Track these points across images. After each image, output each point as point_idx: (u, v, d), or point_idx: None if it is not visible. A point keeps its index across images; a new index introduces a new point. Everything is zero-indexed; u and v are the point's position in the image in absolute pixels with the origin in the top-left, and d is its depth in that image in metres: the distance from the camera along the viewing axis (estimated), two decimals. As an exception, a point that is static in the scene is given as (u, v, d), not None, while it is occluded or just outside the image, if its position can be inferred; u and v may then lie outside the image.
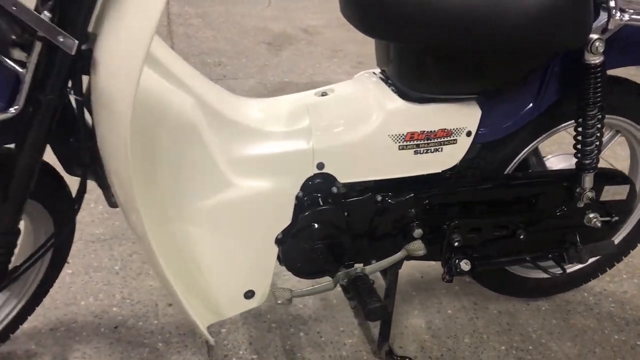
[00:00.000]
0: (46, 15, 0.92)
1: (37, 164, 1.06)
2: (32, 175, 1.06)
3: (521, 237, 1.41)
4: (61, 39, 0.92)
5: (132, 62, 0.91)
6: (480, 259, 1.41)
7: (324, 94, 1.28)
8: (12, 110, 0.96)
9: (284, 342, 1.56)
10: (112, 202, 1.30)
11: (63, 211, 1.30)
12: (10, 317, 1.40)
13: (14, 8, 0.92)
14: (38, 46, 0.94)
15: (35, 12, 0.92)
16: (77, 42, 0.93)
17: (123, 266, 1.77)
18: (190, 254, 1.20)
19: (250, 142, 1.21)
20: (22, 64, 0.97)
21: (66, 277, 1.70)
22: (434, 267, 1.86)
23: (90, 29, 0.98)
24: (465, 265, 1.36)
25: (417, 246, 1.31)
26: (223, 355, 1.52)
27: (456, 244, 1.35)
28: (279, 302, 1.27)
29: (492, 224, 1.39)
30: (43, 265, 1.41)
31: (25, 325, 1.52)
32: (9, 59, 0.96)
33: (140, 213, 1.04)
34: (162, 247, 1.12)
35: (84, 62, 0.98)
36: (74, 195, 1.19)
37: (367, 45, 3.66)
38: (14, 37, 0.95)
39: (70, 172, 1.23)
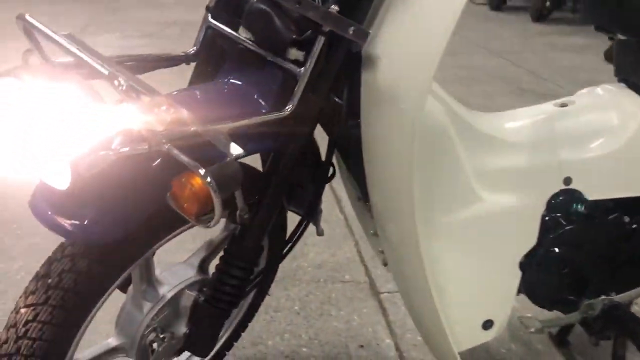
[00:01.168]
0: (334, 8, 0.88)
1: (292, 171, 1.01)
2: (287, 182, 1.01)
3: None
4: (352, 31, 0.88)
5: (426, 61, 0.86)
6: None
7: (563, 104, 1.19)
8: (287, 109, 0.92)
9: (495, 389, 1.42)
10: (320, 231, 1.24)
11: (278, 245, 1.25)
12: (217, 346, 1.34)
13: (297, 5, 0.89)
14: (320, 41, 0.90)
15: (322, 7, 0.89)
16: (370, 32, 0.88)
17: (302, 307, 1.69)
18: (436, 274, 1.10)
19: (496, 153, 1.12)
20: (297, 63, 0.93)
21: (247, 316, 1.63)
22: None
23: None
24: None
25: (677, 273, 1.16)
26: (433, 400, 1.38)
27: None
28: (531, 330, 1.14)
29: None
30: (246, 301, 1.35)
31: (217, 364, 1.44)
32: (284, 59, 0.93)
33: (415, 226, 0.96)
34: (425, 263, 1.03)
35: (353, 59, 0.94)
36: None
37: (492, 99, 3.43)
38: (293, 35, 0.92)
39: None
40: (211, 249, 1.17)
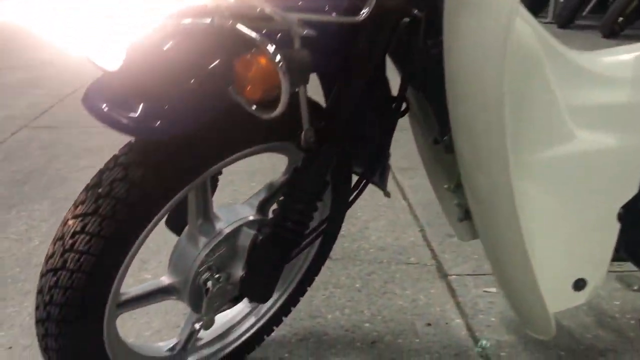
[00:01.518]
0: None
1: (359, 103, 0.92)
2: (353, 114, 0.92)
3: None
4: None
5: None
6: None
7: (670, 41, 1.06)
8: (362, 13, 0.83)
9: (581, 374, 1.25)
10: (387, 191, 1.14)
11: (341, 197, 1.16)
12: (276, 307, 1.24)
13: None
14: None
15: None
16: None
17: (364, 285, 1.57)
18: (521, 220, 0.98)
19: (593, 88, 1.00)
20: None
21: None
22: None
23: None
24: None
25: None
26: (512, 381, 1.23)
27: None
28: (634, 288, 1.00)
29: None
30: (309, 255, 1.25)
31: (274, 334, 1.34)
32: None
33: (507, 166, 0.85)
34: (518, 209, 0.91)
35: None
36: None
37: None
38: None
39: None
40: (272, 191, 1.09)
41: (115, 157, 0.85)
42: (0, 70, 3.86)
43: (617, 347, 1.32)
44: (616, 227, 1.01)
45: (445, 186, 1.17)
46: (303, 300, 1.48)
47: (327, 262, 1.66)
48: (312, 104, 0.98)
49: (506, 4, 0.81)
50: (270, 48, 0.67)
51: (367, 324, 1.41)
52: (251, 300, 1.04)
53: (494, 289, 1.55)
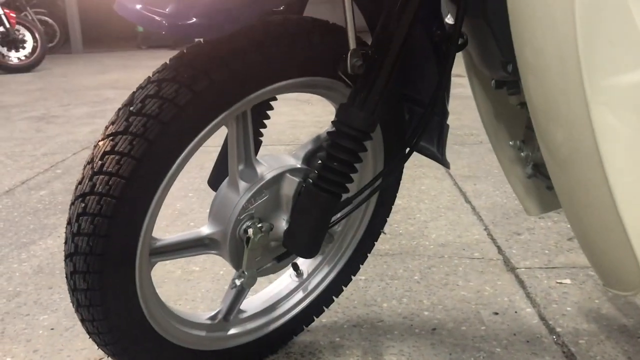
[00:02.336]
0: None
1: (410, 30, 0.84)
2: (404, 42, 0.84)
3: None
4: None
5: None
6: None
7: None
8: None
9: (678, 363, 1.09)
10: (446, 162, 1.03)
11: (396, 149, 1.06)
12: (325, 283, 1.14)
13: None
14: None
15: None
16: None
17: (423, 277, 1.45)
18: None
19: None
20: None
21: (359, 281, 1.42)
22: None
23: None
24: None
25: None
26: (594, 367, 1.08)
27: None
28: None
29: None
30: (361, 227, 1.15)
31: (324, 320, 1.24)
32: None
33: (584, 93, 0.75)
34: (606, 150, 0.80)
35: None
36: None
37: None
38: None
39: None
40: (319, 143, 1.01)
41: (148, 78, 0.80)
42: (69, 105, 4.01)
43: None
44: None
45: (511, 143, 1.06)
46: (356, 291, 1.38)
47: (384, 257, 1.56)
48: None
49: None
50: None
51: (426, 312, 1.29)
52: (296, 253, 0.95)
53: (568, 281, 1.40)
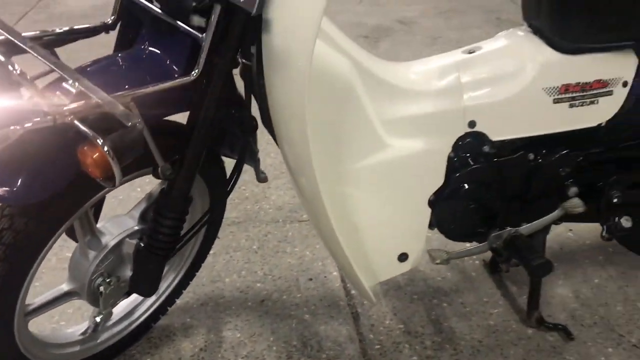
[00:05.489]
0: None
1: (211, 128, 1.11)
2: (207, 139, 1.11)
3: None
4: None
5: (309, 19, 0.93)
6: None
7: (471, 51, 1.27)
8: (193, 74, 1.01)
9: (428, 313, 1.56)
10: (261, 177, 1.34)
11: (219, 189, 1.36)
12: (170, 290, 1.48)
13: None
14: (217, 9, 0.99)
15: None
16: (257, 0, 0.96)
17: (260, 245, 1.82)
18: (348, 216, 1.22)
19: (402, 102, 1.22)
20: (201, 30, 1.02)
21: (209, 257, 1.77)
22: (574, 238, 1.80)
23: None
24: (626, 222, 1.30)
25: (575, 203, 1.27)
26: (370, 324, 1.53)
27: (615, 200, 1.30)
28: (436, 262, 1.27)
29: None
30: (197, 241, 1.48)
31: (178, 301, 1.59)
32: (189, 26, 1.02)
33: (314, 173, 1.06)
34: (328, 208, 1.14)
35: (255, 24, 1.02)
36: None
37: (468, 31, 3.55)
38: (194, 3, 1.00)
39: (222, 152, 1.30)
40: (152, 200, 1.29)
41: (1, 209, 1.04)
42: None
43: (460, 287, 1.63)
44: (428, 210, 1.27)
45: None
46: (205, 267, 1.73)
47: (231, 227, 1.91)
48: (176, 127, 1.18)
49: (302, 54, 0.96)
50: (99, 141, 0.86)
51: (258, 284, 1.68)
52: (140, 295, 1.27)
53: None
